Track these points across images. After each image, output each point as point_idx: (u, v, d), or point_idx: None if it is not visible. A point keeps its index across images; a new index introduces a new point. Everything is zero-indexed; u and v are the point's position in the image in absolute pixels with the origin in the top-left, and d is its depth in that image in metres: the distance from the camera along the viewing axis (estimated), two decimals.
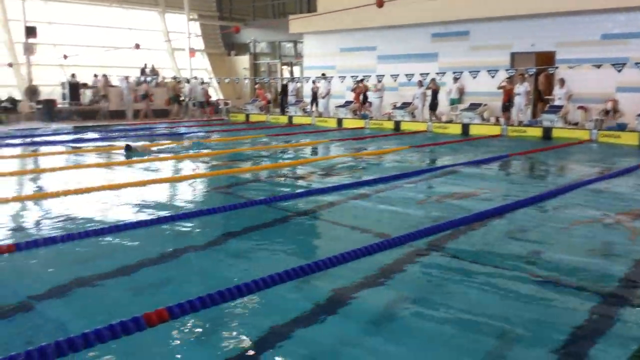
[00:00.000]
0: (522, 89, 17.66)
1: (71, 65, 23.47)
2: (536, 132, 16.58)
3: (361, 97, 21.30)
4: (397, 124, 19.35)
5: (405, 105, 20.29)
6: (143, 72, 25.46)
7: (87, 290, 4.30)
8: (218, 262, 5.11)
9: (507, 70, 18.58)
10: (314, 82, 22.69)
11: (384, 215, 6.77)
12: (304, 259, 4.79)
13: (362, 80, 21.35)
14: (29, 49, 21.46)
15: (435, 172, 9.84)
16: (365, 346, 3.46)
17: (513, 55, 19.11)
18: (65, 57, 22.08)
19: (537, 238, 5.73)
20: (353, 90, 21.79)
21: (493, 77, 18.34)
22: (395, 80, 20.52)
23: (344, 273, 4.59)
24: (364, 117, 20.75)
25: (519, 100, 17.82)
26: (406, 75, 20.02)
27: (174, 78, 25.78)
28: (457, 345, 3.48)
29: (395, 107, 20.57)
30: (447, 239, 5.61)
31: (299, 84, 24.97)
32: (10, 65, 22.13)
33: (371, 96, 21.29)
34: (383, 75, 21.01)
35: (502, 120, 18.20)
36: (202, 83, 25.16)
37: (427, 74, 19.78)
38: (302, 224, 6.53)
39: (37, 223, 6.32)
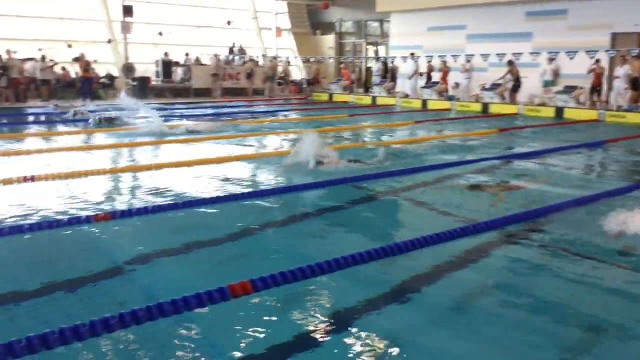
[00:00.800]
0: (622, 71, 16.56)
1: (164, 43, 24.38)
2: (637, 117, 15.54)
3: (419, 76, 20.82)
4: (485, 106, 18.73)
5: (494, 86, 19.57)
6: (231, 51, 26.04)
7: (173, 259, 4.47)
8: (299, 239, 5.17)
9: (606, 51, 17.46)
10: (392, 62, 22.37)
11: (468, 199, 6.58)
12: (384, 240, 4.75)
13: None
14: (126, 28, 22.43)
15: (521, 157, 9.45)
16: (440, 333, 3.39)
17: (614, 36, 17.92)
18: (160, 34, 22.96)
19: (634, 230, 5.37)
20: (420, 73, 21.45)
21: (592, 58, 17.30)
22: (485, 61, 19.82)
23: (425, 256, 4.51)
24: (450, 98, 20.23)
25: (617, 84, 16.74)
26: (497, 55, 19.28)
27: (275, 58, 26.14)
28: (539, 337, 3.33)
29: (484, 89, 19.90)
30: (534, 226, 5.38)
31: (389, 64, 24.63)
32: (109, 41, 23.25)
33: (459, 77, 20.71)
34: (472, 55, 20.35)
35: (598, 104, 17.21)
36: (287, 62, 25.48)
37: (520, 54, 18.95)
38: (384, 205, 6.47)
39: (132, 193, 6.64)
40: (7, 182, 6.76)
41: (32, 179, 6.91)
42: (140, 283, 4.01)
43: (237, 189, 6.71)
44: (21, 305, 3.61)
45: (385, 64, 23.52)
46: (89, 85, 20.02)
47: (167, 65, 23.17)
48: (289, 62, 26.50)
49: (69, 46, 22.07)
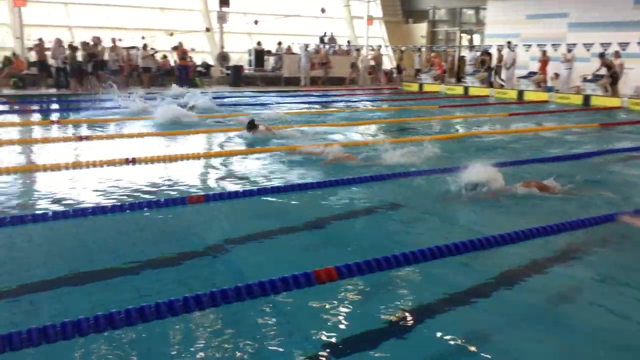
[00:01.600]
0: None
1: (258, 33, 24.94)
2: None
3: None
4: (587, 98, 17.72)
5: (597, 77, 18.46)
6: (322, 40, 26.19)
7: (262, 243, 4.58)
8: (387, 228, 5.14)
9: None
10: (486, 51, 21.63)
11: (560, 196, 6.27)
12: (476, 233, 4.62)
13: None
14: (222, 17, 23.10)
15: (620, 153, 8.88)
16: (529, 331, 3.26)
17: None
18: (256, 22, 23.50)
19: None
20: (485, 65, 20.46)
21: None
22: (588, 51, 18.74)
23: (520, 251, 4.36)
24: (548, 89, 19.32)
25: None
26: (602, 44, 18.17)
27: (379, 47, 26.09)
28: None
29: (585, 80, 18.82)
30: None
31: (477, 54, 23.88)
32: (207, 30, 23.93)
33: (559, 67, 19.72)
34: (574, 45, 19.30)
35: None
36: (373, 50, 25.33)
37: (627, 44, 17.77)
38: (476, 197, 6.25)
39: (222, 178, 6.86)
40: (111, 163, 7.20)
41: (134, 161, 7.32)
42: (230, 265, 4.15)
43: (322, 177, 6.75)
44: (125, 279, 3.86)
45: (489, 53, 22.72)
46: (185, 73, 20.84)
47: (260, 54, 23.68)
48: (380, 52, 26.30)
49: (171, 35, 23.07)
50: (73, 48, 18.77)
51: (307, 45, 23.74)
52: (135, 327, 3.03)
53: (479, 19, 26.39)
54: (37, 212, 5.15)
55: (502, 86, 21.00)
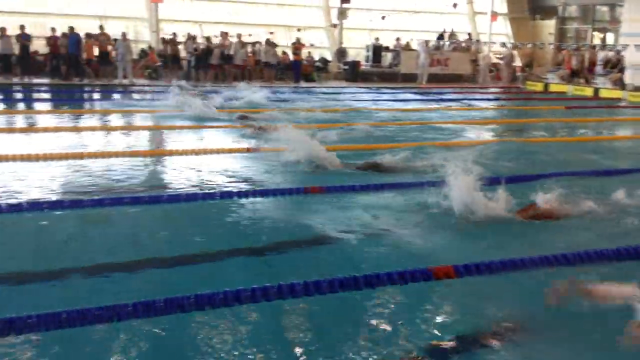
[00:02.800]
0: None
1: (377, 29, 24.97)
2: None
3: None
4: None
5: None
6: (441, 36, 25.69)
7: (385, 236, 4.59)
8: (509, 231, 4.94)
9: None
10: (617, 51, 20.10)
11: None
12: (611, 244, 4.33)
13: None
14: (342, 13, 23.37)
15: None
16: None
17: None
18: (383, 18, 23.55)
19: None
20: None
21: None
22: None
23: None
24: None
25: None
26: None
27: (502, 44, 25.35)
28: None
29: None
30: None
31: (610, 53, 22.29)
32: (334, 26, 24.13)
33: None
34: None
35: None
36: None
37: None
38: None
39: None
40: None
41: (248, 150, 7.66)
42: (343, 254, 4.21)
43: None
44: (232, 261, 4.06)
45: (619, 52, 21.18)
46: (298, 68, 21.27)
47: (378, 50, 23.67)
48: (503, 49, 25.33)
49: (299, 30, 23.75)
50: (197, 40, 19.87)
51: (427, 42, 23.38)
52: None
53: (614, 16, 24.61)
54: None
55: (638, 88, 19.43)
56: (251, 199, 5.42)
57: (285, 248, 4.33)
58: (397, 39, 24.42)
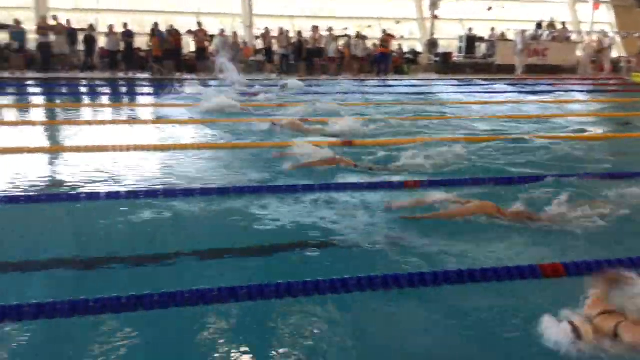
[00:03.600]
0: None
1: (470, 19, 24.33)
2: None
3: None
4: None
5: None
6: (539, 25, 24.63)
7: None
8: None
9: None
10: None
11: None
12: None
13: None
14: (434, 4, 22.96)
15: None
16: None
17: None
18: (489, 9, 22.92)
19: None
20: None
21: None
22: None
23: None
24: None
25: None
26: None
27: (604, 33, 24.11)
28: None
29: None
30: None
31: None
32: (435, 17, 23.63)
33: None
34: None
35: None
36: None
37: None
38: None
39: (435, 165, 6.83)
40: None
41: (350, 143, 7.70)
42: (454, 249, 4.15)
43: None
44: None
45: None
46: (384, 60, 21.09)
47: (471, 41, 23.05)
48: (606, 38, 23.93)
49: (397, 22, 23.65)
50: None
51: (523, 31, 22.50)
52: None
53: None
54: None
55: None
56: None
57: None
58: (492, 29, 23.69)
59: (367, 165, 6.44)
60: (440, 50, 23.15)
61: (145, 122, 10.18)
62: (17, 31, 18.20)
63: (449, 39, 24.56)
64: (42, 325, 2.94)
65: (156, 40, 19.18)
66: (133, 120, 10.21)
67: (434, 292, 3.36)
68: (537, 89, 16.94)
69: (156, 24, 19.37)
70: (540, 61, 22.39)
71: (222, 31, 19.79)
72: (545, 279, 3.49)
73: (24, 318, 2.89)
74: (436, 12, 23.03)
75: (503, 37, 23.35)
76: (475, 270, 3.46)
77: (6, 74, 17.72)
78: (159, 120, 10.21)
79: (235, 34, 20.44)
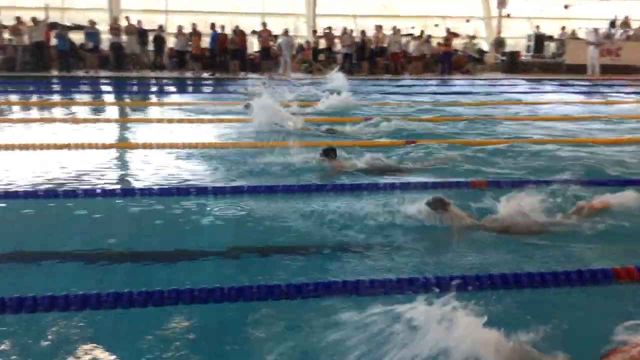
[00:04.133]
0: None
1: (539, 17, 23.61)
2: None
3: None
4: None
5: None
6: (613, 24, 23.61)
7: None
8: None
9: None
10: None
11: None
12: None
13: None
14: (502, 3, 22.40)
15: None
16: None
17: None
18: (566, 7, 22.25)
19: None
20: None
21: None
22: None
23: None
24: None
25: None
26: None
27: None
28: None
29: None
30: None
31: None
32: (509, 15, 23.14)
33: None
34: None
35: None
36: None
37: None
38: None
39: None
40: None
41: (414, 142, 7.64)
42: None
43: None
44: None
45: None
46: (447, 59, 20.73)
47: (540, 40, 22.36)
48: None
49: (467, 21, 23.30)
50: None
51: (596, 30, 21.62)
52: None
53: None
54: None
55: None
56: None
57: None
58: (563, 28, 22.90)
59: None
60: (508, 49, 22.59)
61: (204, 120, 10.26)
62: (91, 32, 19.00)
63: (517, 37, 23.91)
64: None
65: (196, 39, 19.62)
66: (198, 119, 10.38)
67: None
68: (611, 89, 16.27)
69: (194, 25, 19.72)
70: (614, 61, 21.44)
71: (286, 31, 20.02)
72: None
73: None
74: (504, 10, 22.48)
75: (574, 36, 22.53)
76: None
77: (81, 73, 18.58)
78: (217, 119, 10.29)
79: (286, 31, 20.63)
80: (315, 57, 20.68)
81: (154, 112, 11.89)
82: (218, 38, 19.44)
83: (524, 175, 5.99)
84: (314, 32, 21.25)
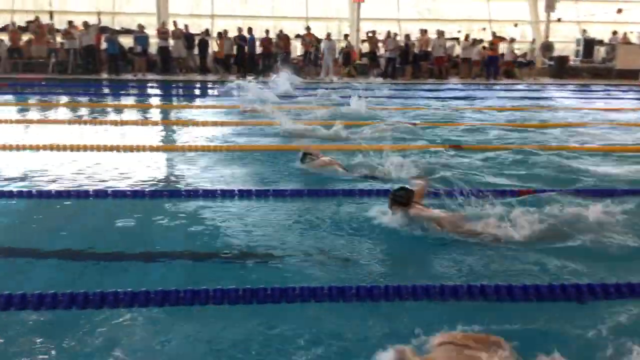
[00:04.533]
0: None
1: (588, 22, 22.98)
2: None
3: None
4: None
5: None
6: None
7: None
8: None
9: None
10: None
11: None
12: None
13: None
14: (550, 6, 21.90)
15: None
16: None
17: None
18: (619, 11, 21.68)
19: None
20: None
21: None
22: None
23: None
24: None
25: None
26: None
27: None
28: None
29: None
30: None
31: None
32: (559, 20, 22.65)
33: None
34: None
35: None
36: None
37: None
38: None
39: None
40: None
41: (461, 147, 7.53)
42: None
43: None
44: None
45: None
46: (493, 63, 20.34)
47: (589, 44, 21.75)
48: None
49: (515, 25, 22.92)
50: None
51: None
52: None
53: None
54: None
55: None
56: None
57: None
58: (614, 32, 22.22)
59: (361, 172, 6.05)
60: (556, 53, 22.06)
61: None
62: (140, 36, 19.43)
63: (565, 41, 23.34)
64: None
65: (221, 43, 19.88)
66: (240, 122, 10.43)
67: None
68: None
69: (225, 31, 19.97)
70: None
71: (328, 35, 20.06)
72: None
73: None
74: (553, 15, 21.97)
75: (625, 40, 21.84)
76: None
77: (129, 76, 19.03)
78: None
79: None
80: (349, 62, 20.64)
81: (198, 114, 12.04)
82: (254, 41, 19.72)
83: (570, 183, 5.84)
84: (345, 36, 21.19)
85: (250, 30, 19.84)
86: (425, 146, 7.72)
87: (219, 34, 20.05)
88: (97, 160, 6.83)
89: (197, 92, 17.28)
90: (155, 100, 14.79)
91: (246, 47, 19.73)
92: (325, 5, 23.92)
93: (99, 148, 7.34)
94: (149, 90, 16.94)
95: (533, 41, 23.04)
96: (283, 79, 15.36)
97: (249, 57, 19.88)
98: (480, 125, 9.88)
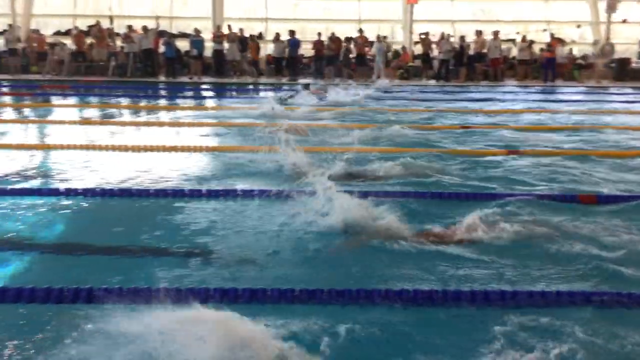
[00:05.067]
0: None
1: None
2: None
3: None
4: None
5: None
6: None
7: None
8: None
9: None
10: None
11: None
12: None
13: None
14: (611, 7, 21.13)
15: None
16: None
17: None
18: None
19: None
20: None
21: None
22: None
23: None
24: None
25: None
26: None
27: None
28: None
29: None
30: None
31: None
32: (624, 21, 21.87)
33: None
34: None
35: None
36: None
37: None
38: None
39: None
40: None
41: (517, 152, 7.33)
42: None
43: None
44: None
45: None
46: (552, 66, 19.75)
47: None
48: None
49: (578, 26, 22.33)
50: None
51: None
52: None
53: None
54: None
55: None
56: None
57: None
58: None
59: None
60: (617, 55, 21.27)
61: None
62: (196, 39, 19.87)
63: (628, 43, 22.48)
64: None
65: (254, 45, 20.18)
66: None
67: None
68: None
69: (260, 33, 20.25)
70: None
71: (379, 37, 19.97)
72: None
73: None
74: (615, 16, 21.20)
75: None
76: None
77: (185, 79, 19.49)
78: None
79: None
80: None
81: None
82: (297, 44, 19.85)
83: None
84: (381, 38, 21.01)
85: (292, 33, 19.96)
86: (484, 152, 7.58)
87: (251, 36, 20.40)
88: (155, 159, 7.01)
89: (250, 94, 17.48)
90: (210, 102, 15.06)
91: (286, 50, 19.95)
92: (378, 7, 23.86)
93: (158, 148, 7.52)
94: (204, 92, 17.28)
95: (594, 43, 22.29)
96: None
97: (292, 59, 20.03)
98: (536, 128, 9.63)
